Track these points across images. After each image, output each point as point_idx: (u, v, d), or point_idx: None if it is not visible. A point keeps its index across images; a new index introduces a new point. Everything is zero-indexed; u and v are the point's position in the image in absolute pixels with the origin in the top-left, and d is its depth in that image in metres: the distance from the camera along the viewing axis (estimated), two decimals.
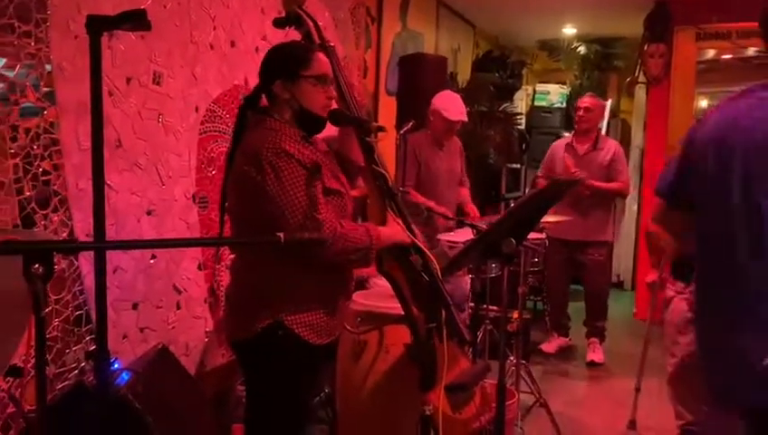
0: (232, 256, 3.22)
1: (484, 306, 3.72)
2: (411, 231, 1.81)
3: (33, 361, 1.87)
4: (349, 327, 2.42)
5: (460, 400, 2.32)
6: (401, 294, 1.95)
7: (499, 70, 6.58)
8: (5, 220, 2.16)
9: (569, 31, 7.13)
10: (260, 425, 2.04)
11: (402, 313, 1.96)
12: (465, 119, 3.89)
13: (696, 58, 5.79)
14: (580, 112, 4.59)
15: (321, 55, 1.93)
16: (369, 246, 1.82)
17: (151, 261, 2.81)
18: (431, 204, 3.58)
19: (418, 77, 4.59)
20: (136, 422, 1.95)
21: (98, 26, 1.54)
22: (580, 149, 4.60)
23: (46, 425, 1.11)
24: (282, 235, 1.30)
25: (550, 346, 4.78)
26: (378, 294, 2.74)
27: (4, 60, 2.17)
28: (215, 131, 3.19)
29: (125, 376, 2.11)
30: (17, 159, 2.21)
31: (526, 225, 2.08)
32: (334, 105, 1.97)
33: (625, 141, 6.70)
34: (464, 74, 6.41)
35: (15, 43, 2.19)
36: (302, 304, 1.89)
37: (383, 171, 1.84)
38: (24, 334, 1.42)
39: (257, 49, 3.40)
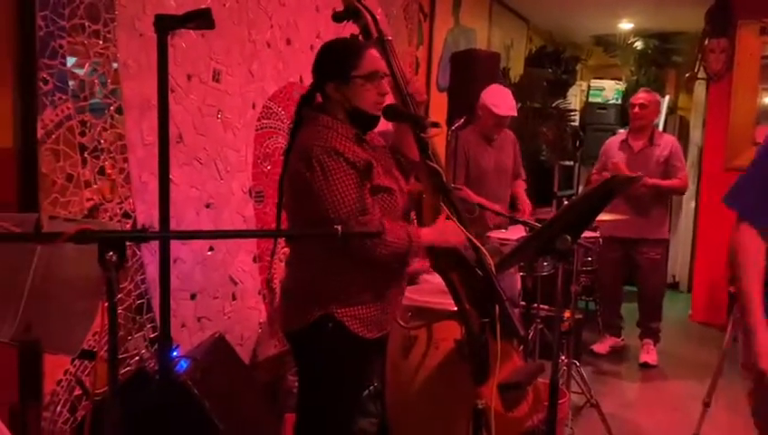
0: (285, 249, 3.30)
1: (535, 305, 3.69)
2: (466, 227, 1.81)
3: (99, 346, 1.96)
4: (400, 322, 2.44)
5: (513, 398, 2.31)
6: (455, 291, 1.95)
7: (552, 66, 6.49)
8: (74, 211, 2.26)
9: (625, 26, 6.97)
10: (311, 414, 2.08)
11: (454, 309, 1.97)
12: (515, 113, 3.84)
13: (760, 53, 5.57)
14: (635, 109, 4.49)
15: (371, 52, 1.92)
16: (408, 248, 1.83)
17: (209, 253, 2.90)
18: (483, 201, 3.56)
19: (470, 73, 4.55)
20: (195, 408, 2.02)
21: (165, 25, 1.60)
22: (636, 146, 4.50)
23: (116, 406, 1.17)
24: (339, 227, 1.33)
25: (602, 347, 4.70)
26: (429, 290, 2.75)
27: (75, 59, 2.27)
28: (270, 128, 3.25)
29: (184, 363, 2.19)
30: (85, 153, 2.31)
31: (582, 222, 2.06)
32: (388, 100, 1.98)
33: (683, 139, 6.51)
34: (516, 70, 6.34)
35: (85, 42, 2.29)
36: (353, 298, 1.92)
37: (438, 167, 1.84)
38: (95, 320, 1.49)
39: (312, 47, 3.45)
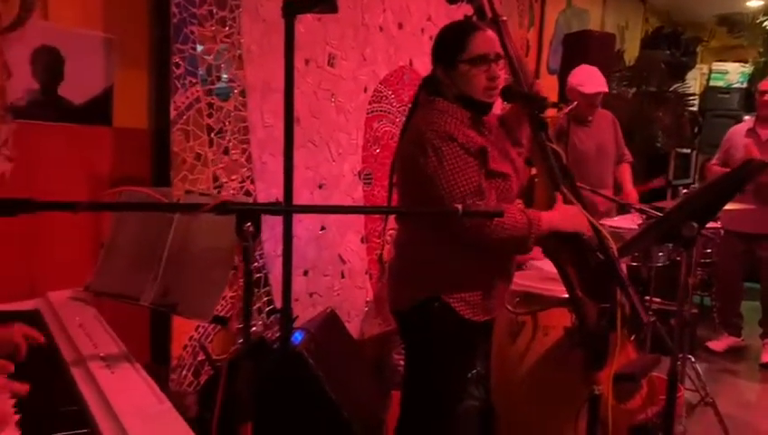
0: (391, 230, 3.36)
1: (647, 298, 3.54)
2: (587, 210, 1.76)
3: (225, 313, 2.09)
4: (509, 307, 2.42)
5: (626, 390, 2.24)
6: (567, 277, 1.91)
7: (671, 47, 6.14)
8: (203, 188, 2.41)
9: (754, 4, 6.47)
10: (416, 392, 2.11)
11: (564, 296, 1.93)
12: (605, 89, 3.65)
13: None
14: (765, 97, 4.17)
15: (482, 34, 1.85)
16: (527, 233, 1.78)
17: (320, 232, 3.00)
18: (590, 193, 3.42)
19: (583, 55, 4.40)
20: (309, 377, 2.11)
21: (293, 9, 1.66)
22: (764, 135, 4.19)
23: (245, 371, 1.24)
24: (460, 206, 1.33)
25: (718, 344, 4.44)
26: (538, 276, 2.71)
27: (203, 46, 2.40)
28: (380, 111, 3.31)
29: (299, 335, 2.28)
30: (212, 134, 2.45)
31: (709, 209, 1.95)
32: (501, 84, 1.94)
33: None
34: (631, 53, 6.06)
35: (213, 28, 2.42)
36: (462, 282, 1.91)
37: (558, 149, 1.80)
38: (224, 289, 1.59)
39: (423, 30, 3.46)
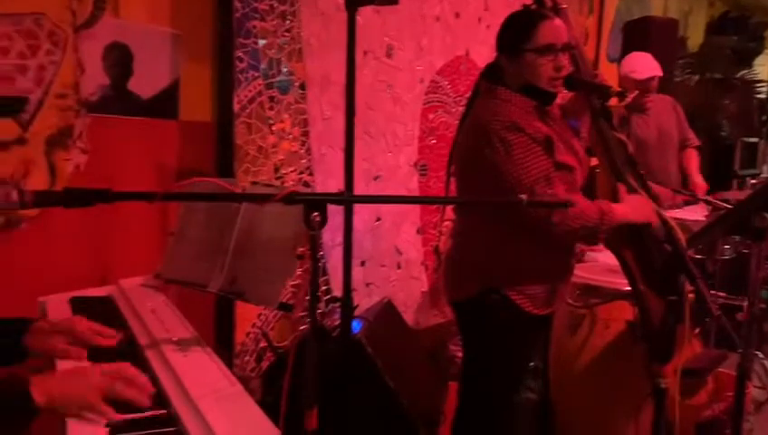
0: (446, 221, 3.35)
1: (713, 292, 3.42)
2: (654, 200, 1.72)
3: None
4: (569, 300, 2.39)
5: (692, 385, 2.18)
6: (629, 270, 1.87)
7: (738, 32, 5.91)
8: (264, 179, 2.47)
9: None
10: (474, 384, 2.11)
11: (626, 289, 1.89)
12: (659, 73, 3.49)
13: None
14: None
15: (550, 23, 1.82)
16: (598, 224, 1.75)
17: (377, 223, 3.03)
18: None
19: (644, 43, 4.29)
20: (368, 365, 2.14)
21: (355, 2, 1.67)
22: None
23: (312, 356, 1.27)
24: (524, 196, 1.33)
25: None
26: (598, 269, 2.67)
27: (264, 40, 2.45)
28: (436, 102, 3.30)
29: (357, 324, 2.31)
30: (273, 127, 2.50)
31: None
32: (564, 73, 1.91)
33: None
34: (695, 39, 5.86)
35: (274, 22, 2.47)
36: (522, 273, 1.90)
37: (624, 138, 1.76)
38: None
39: (480, 19, 3.43)
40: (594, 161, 2.00)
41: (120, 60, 2.09)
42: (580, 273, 2.59)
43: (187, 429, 1.05)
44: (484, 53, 3.40)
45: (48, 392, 1.04)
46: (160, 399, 1.16)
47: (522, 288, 1.88)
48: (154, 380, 1.23)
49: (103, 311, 1.61)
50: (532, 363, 3.06)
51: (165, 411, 1.12)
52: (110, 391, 1.08)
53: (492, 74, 1.91)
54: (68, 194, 1.20)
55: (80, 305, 1.64)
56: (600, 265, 2.76)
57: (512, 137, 1.75)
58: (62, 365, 1.28)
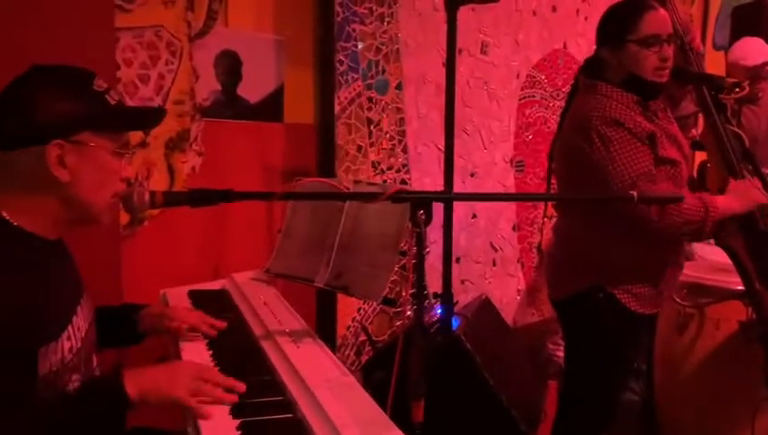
0: (545, 219, 3.31)
1: None
2: None
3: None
4: (677, 299, 2.31)
5: None
6: (743, 268, 1.79)
7: None
8: (363, 178, 2.53)
9: None
10: (576, 384, 2.08)
11: (738, 288, 1.80)
12: None
13: None
14: None
15: (655, 13, 1.76)
16: (703, 219, 1.69)
17: (472, 220, 3.03)
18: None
19: (756, 27, 4.04)
20: (468, 362, 2.15)
21: (456, 1, 1.69)
22: None
23: (418, 349, 1.30)
24: (635, 193, 1.30)
25: None
26: (708, 267, 2.56)
27: (363, 43, 2.51)
28: (533, 97, 3.26)
29: (456, 321, 2.33)
30: (371, 127, 2.57)
31: None
32: (669, 64, 1.84)
33: None
34: None
35: (373, 25, 2.52)
36: (627, 271, 1.85)
37: (739, 131, 1.68)
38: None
39: (578, 11, 3.36)
40: (703, 155, 1.93)
41: (230, 67, 2.21)
42: (689, 271, 2.48)
43: (304, 414, 1.11)
44: (583, 46, 3.32)
45: (140, 387, 1.09)
46: (277, 386, 1.23)
47: (628, 287, 1.83)
48: (270, 368, 1.31)
49: (220, 303, 1.72)
50: (635, 365, 2.99)
51: (281, 398, 1.19)
52: (198, 391, 1.13)
53: (591, 69, 1.88)
54: (193, 194, 1.30)
55: (198, 298, 1.76)
56: (710, 262, 2.65)
57: (611, 133, 1.72)
58: (185, 347, 1.40)
